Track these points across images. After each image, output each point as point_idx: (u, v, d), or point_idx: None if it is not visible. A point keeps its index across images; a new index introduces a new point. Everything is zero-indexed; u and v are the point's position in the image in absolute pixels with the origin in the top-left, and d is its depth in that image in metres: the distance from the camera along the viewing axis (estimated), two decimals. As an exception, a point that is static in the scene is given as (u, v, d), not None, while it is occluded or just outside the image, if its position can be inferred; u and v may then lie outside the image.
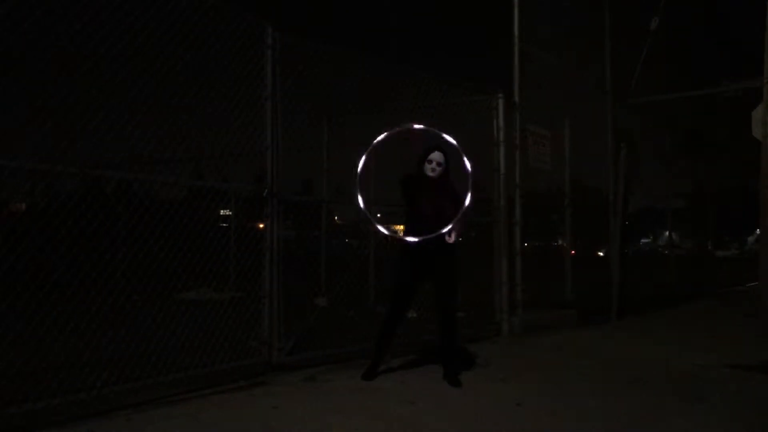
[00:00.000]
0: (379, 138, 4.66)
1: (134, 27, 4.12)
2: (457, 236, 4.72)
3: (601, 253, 9.99)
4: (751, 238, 29.95)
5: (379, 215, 9.18)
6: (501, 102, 7.11)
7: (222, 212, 9.01)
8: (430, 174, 4.74)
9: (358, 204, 4.59)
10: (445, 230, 4.55)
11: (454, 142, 4.67)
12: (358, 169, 4.60)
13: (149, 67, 4.27)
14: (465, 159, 4.62)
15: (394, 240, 4.82)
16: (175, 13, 4.33)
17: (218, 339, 4.78)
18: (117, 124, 4.13)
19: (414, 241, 4.60)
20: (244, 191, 5.42)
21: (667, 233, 13.38)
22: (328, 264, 8.95)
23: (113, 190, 5.02)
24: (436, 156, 4.72)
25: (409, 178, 4.84)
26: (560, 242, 8.85)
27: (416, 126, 4.70)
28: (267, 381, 4.72)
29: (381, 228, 4.87)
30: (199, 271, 4.92)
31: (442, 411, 4.08)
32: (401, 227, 4.92)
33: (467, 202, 4.57)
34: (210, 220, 5.64)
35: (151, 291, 4.83)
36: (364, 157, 4.62)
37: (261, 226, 5.14)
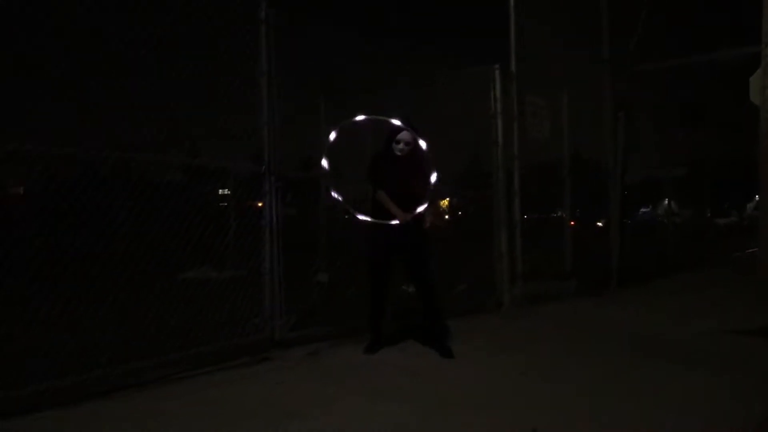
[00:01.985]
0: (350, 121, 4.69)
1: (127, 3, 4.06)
2: (431, 221, 4.76)
3: (600, 224, 9.99)
4: (750, 205, 29.91)
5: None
6: (498, 73, 7.05)
7: (221, 191, 8.96)
8: (399, 154, 4.71)
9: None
10: (420, 208, 4.62)
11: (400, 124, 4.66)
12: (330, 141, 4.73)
13: (141, 45, 4.20)
14: (421, 141, 4.64)
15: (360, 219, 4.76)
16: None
17: (220, 317, 4.79)
18: (110, 105, 4.09)
19: (385, 225, 4.62)
20: (242, 169, 5.39)
21: (666, 202, 13.34)
22: (328, 241, 8.92)
23: (110, 171, 4.98)
24: (405, 136, 4.66)
25: (378, 159, 4.82)
26: (560, 213, 8.83)
27: (362, 117, 4.67)
28: (270, 357, 4.75)
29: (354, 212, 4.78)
30: (199, 250, 4.90)
31: (444, 383, 4.11)
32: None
33: (433, 179, 4.61)
34: (208, 199, 5.62)
35: (152, 271, 4.82)
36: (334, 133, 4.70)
37: (259, 204, 5.12)
